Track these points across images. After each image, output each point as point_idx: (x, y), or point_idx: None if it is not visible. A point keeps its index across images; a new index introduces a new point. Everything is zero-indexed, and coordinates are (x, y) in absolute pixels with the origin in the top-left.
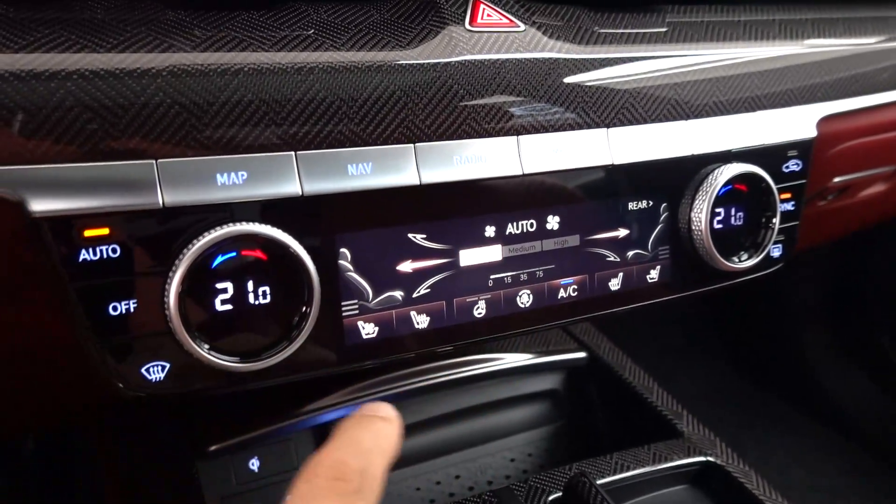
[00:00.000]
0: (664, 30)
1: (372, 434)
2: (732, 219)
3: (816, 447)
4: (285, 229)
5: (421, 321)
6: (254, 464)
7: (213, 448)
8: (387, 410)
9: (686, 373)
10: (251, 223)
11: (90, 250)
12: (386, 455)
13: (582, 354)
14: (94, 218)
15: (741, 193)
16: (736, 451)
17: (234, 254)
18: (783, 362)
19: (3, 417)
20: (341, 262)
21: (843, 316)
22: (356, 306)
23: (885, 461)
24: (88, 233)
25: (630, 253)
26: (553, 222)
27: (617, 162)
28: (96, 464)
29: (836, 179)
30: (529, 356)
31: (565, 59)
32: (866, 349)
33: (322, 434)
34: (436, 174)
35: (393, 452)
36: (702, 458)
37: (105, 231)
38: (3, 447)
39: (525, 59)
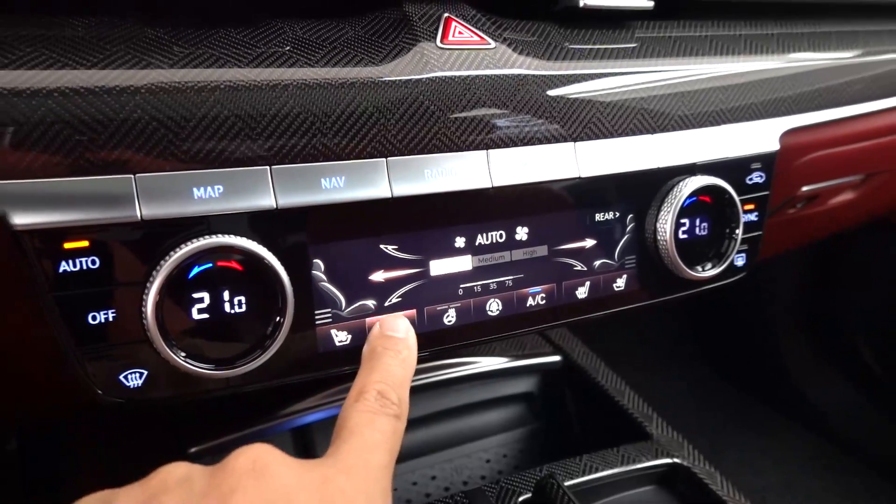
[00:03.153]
0: (633, 45)
1: (401, 364)
2: (697, 229)
3: (794, 449)
4: (260, 241)
5: None
6: None
7: (192, 450)
8: (405, 327)
9: (667, 377)
10: (227, 235)
11: (70, 262)
12: (410, 381)
13: (556, 358)
14: (74, 231)
15: (705, 205)
16: (713, 452)
17: (210, 265)
18: (762, 366)
19: None
20: (315, 272)
21: (819, 320)
22: (329, 314)
23: (862, 462)
24: (69, 245)
25: (597, 262)
26: (522, 233)
27: (584, 175)
28: (79, 465)
29: (805, 188)
30: (505, 360)
31: (534, 76)
32: (843, 352)
33: (302, 436)
34: (407, 187)
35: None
36: (668, 460)
37: (85, 243)
38: None
39: (495, 75)
